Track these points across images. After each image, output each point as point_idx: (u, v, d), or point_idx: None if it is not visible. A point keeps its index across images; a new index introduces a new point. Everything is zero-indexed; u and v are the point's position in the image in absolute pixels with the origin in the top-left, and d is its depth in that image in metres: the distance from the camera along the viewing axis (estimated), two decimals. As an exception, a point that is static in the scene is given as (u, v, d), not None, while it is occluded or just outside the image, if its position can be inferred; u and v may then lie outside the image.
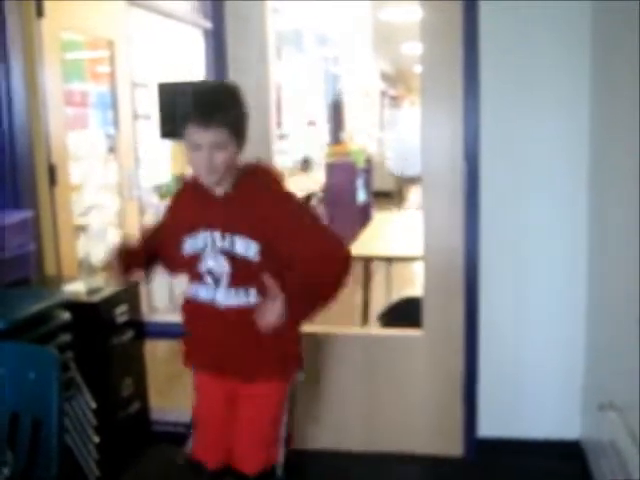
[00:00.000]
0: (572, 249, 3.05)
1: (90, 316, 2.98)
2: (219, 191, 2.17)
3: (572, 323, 3.09)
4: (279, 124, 7.93)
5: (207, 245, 2.17)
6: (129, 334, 3.23)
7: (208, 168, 2.07)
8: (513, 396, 3.20)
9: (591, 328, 3.02)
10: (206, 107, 2.05)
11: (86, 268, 3.98)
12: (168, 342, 3.95)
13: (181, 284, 4.82)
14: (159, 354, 3.90)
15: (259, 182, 2.20)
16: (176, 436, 3.39)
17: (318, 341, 3.24)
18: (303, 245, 2.13)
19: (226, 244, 2.14)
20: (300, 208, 2.26)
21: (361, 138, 11.50)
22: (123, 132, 4.28)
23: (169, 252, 2.34)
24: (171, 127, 4.12)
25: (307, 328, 2.34)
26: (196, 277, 2.22)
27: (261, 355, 2.23)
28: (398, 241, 5.06)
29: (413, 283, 5.81)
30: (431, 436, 3.23)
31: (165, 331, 3.58)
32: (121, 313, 3.15)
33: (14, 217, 3.13)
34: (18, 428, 2.21)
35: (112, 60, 4.10)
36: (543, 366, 3.16)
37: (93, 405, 2.90)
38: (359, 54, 11.27)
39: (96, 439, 2.92)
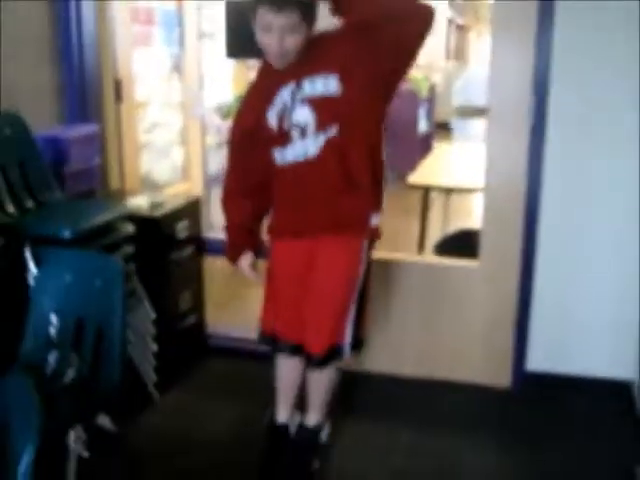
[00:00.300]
0: (637, 188, 2.99)
1: (152, 230, 3.05)
2: (280, 66, 2.19)
3: (631, 261, 3.04)
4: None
5: (287, 101, 2.20)
6: (189, 249, 3.31)
7: (279, 51, 2.11)
8: (566, 332, 3.19)
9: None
10: None
11: (149, 184, 4.06)
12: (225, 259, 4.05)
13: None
14: (217, 271, 3.98)
15: (318, 35, 2.21)
16: (230, 350, 3.54)
17: (375, 266, 3.27)
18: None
19: (305, 90, 2.17)
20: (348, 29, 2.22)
21: (425, 67, 11.25)
22: (188, 51, 4.30)
23: (261, 139, 2.31)
24: (237, 46, 4.11)
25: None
26: (283, 140, 2.24)
27: (345, 202, 2.26)
28: (458, 173, 5.00)
29: (470, 215, 5.76)
30: (481, 366, 3.26)
31: (224, 248, 3.65)
32: (182, 228, 3.23)
33: (81, 131, 3.20)
34: (83, 333, 2.32)
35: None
36: (598, 303, 3.13)
37: (153, 316, 3.01)
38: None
39: (155, 348, 3.04)
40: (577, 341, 3.19)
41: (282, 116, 2.22)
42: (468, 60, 12.31)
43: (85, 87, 3.36)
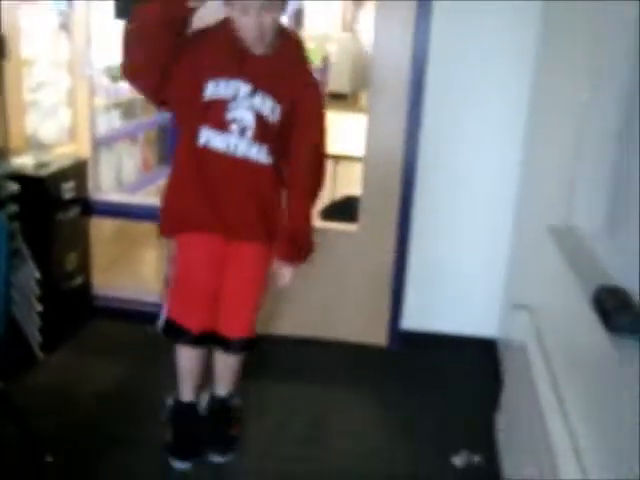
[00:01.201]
0: (505, 162, 3.21)
1: (37, 190, 3.04)
2: (257, 49, 2.20)
3: (498, 229, 3.29)
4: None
5: (237, 95, 2.23)
6: (75, 210, 3.31)
7: (258, 33, 2.11)
8: (437, 293, 3.42)
9: (515, 233, 3.22)
10: None
11: (35, 144, 3.99)
12: (112, 221, 4.06)
13: (129, 165, 4.88)
14: (104, 233, 3.98)
15: (296, 51, 2.33)
16: (115, 311, 3.57)
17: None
18: (312, 128, 2.37)
19: (257, 101, 2.24)
20: (321, 95, 2.44)
21: (320, 38, 11.32)
22: (76, 9, 4.21)
23: (183, 92, 2.26)
24: (126, 8, 4.07)
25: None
26: (217, 124, 2.25)
27: (259, 213, 2.38)
28: (347, 142, 5.14)
29: (357, 183, 5.92)
30: (358, 326, 3.44)
31: (110, 210, 3.67)
32: (68, 189, 3.22)
33: (-38, 87, 3.13)
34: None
35: None
36: (468, 267, 3.37)
37: (37, 275, 3.01)
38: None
39: (39, 308, 3.05)
40: (449, 302, 3.42)
41: (221, 101, 2.22)
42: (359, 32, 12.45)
43: (-34, 42, 3.27)
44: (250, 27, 2.11)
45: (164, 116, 4.79)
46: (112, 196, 4.15)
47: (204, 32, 2.28)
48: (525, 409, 2.16)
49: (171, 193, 2.44)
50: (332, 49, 12.23)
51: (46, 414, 2.73)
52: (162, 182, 4.64)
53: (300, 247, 2.44)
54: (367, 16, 14.92)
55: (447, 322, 3.44)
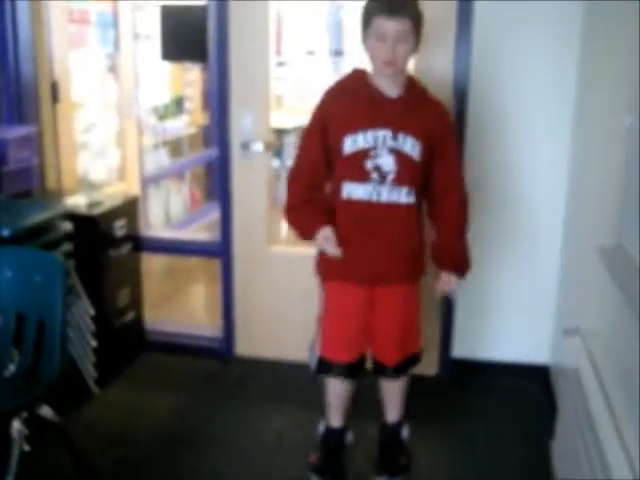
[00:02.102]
0: (552, 183, 3.19)
1: (90, 228, 3.12)
2: (393, 92, 2.34)
3: (547, 252, 3.25)
4: (279, 52, 7.90)
5: (378, 143, 2.32)
6: (127, 247, 3.39)
7: (390, 58, 2.25)
8: (487, 320, 3.39)
9: (564, 255, 3.19)
10: (396, 2, 2.23)
11: (86, 184, 4.11)
12: (162, 257, 4.14)
13: (177, 202, 4.98)
14: (154, 268, 4.06)
15: (422, 90, 2.43)
16: (167, 345, 3.63)
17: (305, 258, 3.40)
18: (452, 170, 2.45)
19: (398, 143, 2.32)
20: (453, 128, 2.55)
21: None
22: (123, 52, 4.34)
23: (330, 152, 2.39)
24: (172, 49, 4.20)
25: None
26: (358, 175, 2.34)
27: (405, 256, 2.45)
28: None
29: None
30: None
31: (160, 246, 3.75)
32: (120, 227, 3.30)
33: (18, 131, 3.24)
34: (24, 328, 2.38)
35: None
36: (518, 293, 3.34)
37: (92, 312, 3.08)
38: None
39: (94, 343, 3.11)
40: (498, 328, 3.39)
41: (363, 152, 2.32)
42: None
43: (22, 88, 3.40)
44: (383, 53, 2.25)
45: (210, 153, 4.89)
46: (161, 232, 4.23)
47: (334, 94, 2.43)
48: (581, 437, 2.13)
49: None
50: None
51: (103, 449, 2.78)
52: (210, 218, 4.72)
53: (460, 261, 2.51)
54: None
55: (498, 349, 3.40)
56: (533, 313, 3.33)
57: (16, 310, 2.40)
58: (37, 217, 2.79)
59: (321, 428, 2.75)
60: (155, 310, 3.81)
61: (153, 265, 4.08)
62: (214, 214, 4.05)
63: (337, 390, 2.65)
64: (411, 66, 3.23)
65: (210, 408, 3.12)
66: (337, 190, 2.39)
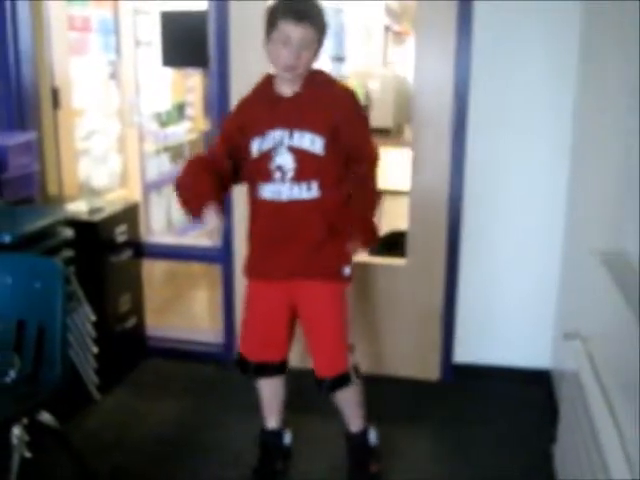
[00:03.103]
0: (552, 189, 3.19)
1: (91, 234, 3.12)
2: (288, 92, 2.37)
3: (547, 257, 3.25)
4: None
5: (276, 143, 2.35)
6: (127, 253, 3.39)
7: (293, 63, 2.27)
8: (488, 325, 3.38)
9: (564, 261, 3.18)
10: (300, 7, 2.27)
11: (87, 190, 4.11)
12: (163, 263, 4.14)
13: (178, 208, 4.98)
14: (156, 275, 4.06)
15: (323, 79, 2.44)
16: (168, 351, 3.63)
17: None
18: (361, 140, 2.44)
19: (294, 140, 2.34)
20: (359, 105, 2.48)
21: (362, 74, 11.41)
22: (125, 58, 4.36)
23: (239, 157, 2.44)
24: (172, 55, 4.20)
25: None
26: (264, 176, 2.38)
27: (320, 249, 2.43)
28: (392, 177, 5.17)
29: (404, 217, 5.93)
30: (409, 360, 3.42)
31: (162, 252, 3.75)
32: (120, 233, 3.31)
33: (18, 138, 3.25)
34: (24, 334, 2.38)
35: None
36: (518, 298, 3.33)
37: (93, 318, 3.08)
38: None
39: (95, 350, 3.11)
40: (500, 334, 3.38)
41: (266, 153, 2.36)
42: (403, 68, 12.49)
43: (22, 95, 3.41)
44: (287, 58, 2.27)
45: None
46: (163, 238, 4.24)
47: (246, 99, 2.49)
48: (582, 440, 2.12)
49: (247, 242, 2.57)
50: (374, 85, 12.30)
51: (103, 454, 2.78)
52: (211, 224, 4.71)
53: (369, 232, 2.49)
54: (408, 50, 15.02)
55: (499, 354, 3.40)
56: (534, 317, 3.33)
57: (16, 316, 2.39)
58: (38, 223, 2.79)
59: (259, 431, 2.76)
60: (156, 316, 3.81)
61: (154, 271, 4.08)
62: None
63: (265, 389, 2.68)
64: (412, 68, 3.25)
65: (211, 414, 3.12)
66: (254, 191, 2.44)
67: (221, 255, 3.52)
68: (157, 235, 4.41)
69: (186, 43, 4.08)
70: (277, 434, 2.73)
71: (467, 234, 3.28)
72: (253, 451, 2.81)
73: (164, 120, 5.05)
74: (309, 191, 2.37)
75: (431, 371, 3.43)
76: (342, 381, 2.52)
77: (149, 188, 4.60)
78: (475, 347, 3.41)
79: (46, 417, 2.35)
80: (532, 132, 3.16)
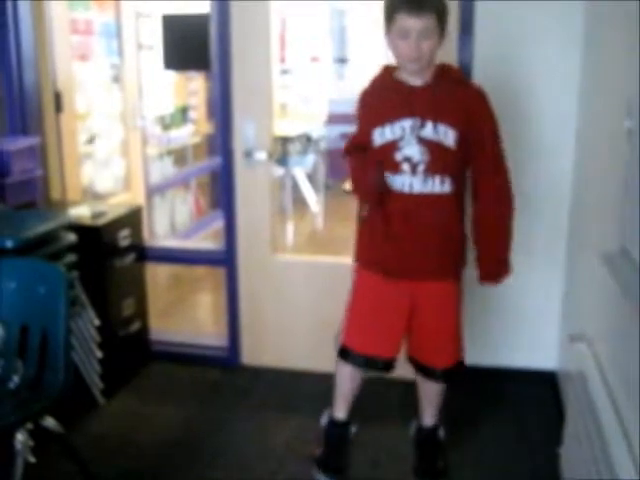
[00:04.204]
0: (555, 189, 3.18)
1: (94, 239, 3.12)
2: (418, 82, 2.31)
3: (553, 258, 3.24)
4: (283, 59, 7.92)
5: (405, 133, 2.29)
6: (131, 257, 3.38)
7: (416, 54, 2.21)
8: (494, 327, 3.37)
9: (569, 263, 3.17)
10: None
11: (91, 194, 4.11)
12: (167, 267, 4.14)
13: (182, 211, 4.99)
14: (159, 278, 4.06)
15: (457, 76, 2.40)
16: (172, 355, 3.62)
17: (322, 269, 3.41)
18: (490, 143, 2.36)
19: (427, 131, 2.27)
20: (492, 109, 2.38)
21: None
22: (127, 62, 4.36)
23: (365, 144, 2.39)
24: (174, 59, 4.21)
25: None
26: (391, 166, 2.31)
27: (444, 250, 2.41)
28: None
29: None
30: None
31: (165, 256, 3.75)
32: (124, 237, 3.30)
33: (21, 143, 3.25)
34: (28, 338, 2.38)
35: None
36: (524, 299, 3.31)
37: (96, 322, 3.08)
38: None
39: (99, 354, 3.11)
40: (505, 335, 3.37)
41: (392, 143, 2.30)
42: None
43: (25, 99, 3.41)
44: (407, 50, 2.22)
45: (215, 161, 4.90)
46: (166, 242, 4.24)
47: (365, 93, 2.45)
48: (589, 442, 2.11)
49: (363, 232, 2.53)
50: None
51: (108, 459, 2.78)
52: (215, 227, 4.73)
53: (501, 267, 2.51)
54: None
55: (504, 355, 3.38)
56: (539, 319, 3.31)
57: (20, 321, 2.40)
58: (41, 228, 2.79)
59: (324, 420, 2.74)
60: (160, 320, 3.81)
61: (158, 274, 4.08)
62: (219, 222, 4.05)
63: (347, 381, 2.63)
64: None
65: (216, 417, 3.11)
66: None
67: (225, 258, 3.51)
68: (160, 239, 4.41)
69: (188, 46, 4.09)
70: (345, 425, 2.71)
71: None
72: (257, 454, 2.82)
73: (167, 123, 5.05)
74: (442, 185, 2.31)
75: (436, 373, 3.41)
76: (459, 368, 2.58)
77: (153, 191, 4.61)
78: (480, 349, 3.38)
79: (50, 422, 2.35)
80: (535, 128, 3.15)
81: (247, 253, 3.46)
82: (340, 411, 2.69)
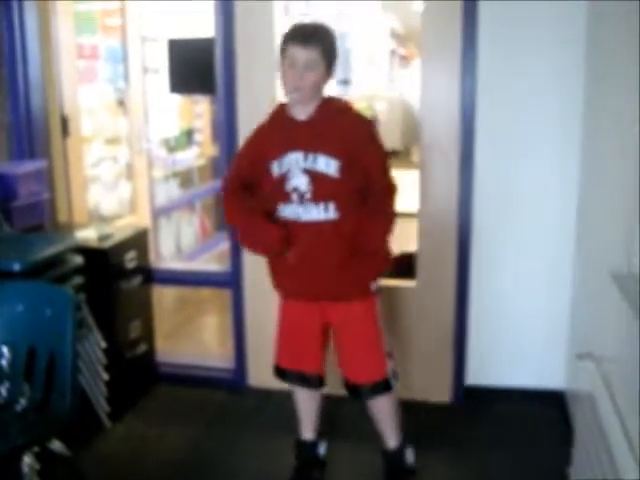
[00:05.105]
0: (561, 210, 3.18)
1: (101, 261, 3.13)
2: (302, 116, 2.44)
3: (559, 279, 3.23)
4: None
5: (292, 166, 2.42)
6: (137, 279, 3.39)
7: (298, 83, 2.35)
8: (500, 346, 3.36)
9: (575, 282, 3.16)
10: (306, 31, 2.39)
11: (97, 217, 4.13)
12: (173, 289, 4.14)
13: (188, 233, 4.99)
14: (165, 300, 4.06)
15: (339, 106, 2.51)
16: (179, 377, 3.61)
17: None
18: (376, 170, 2.48)
19: (308, 163, 2.40)
20: (375, 135, 2.52)
21: (368, 97, 11.45)
22: (133, 86, 4.39)
23: (257, 180, 2.53)
24: (180, 82, 4.24)
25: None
26: (283, 197, 2.45)
27: (343, 271, 2.48)
28: (401, 199, 5.17)
29: (414, 239, 5.92)
30: (421, 382, 3.39)
31: (171, 278, 3.76)
32: (130, 259, 3.31)
33: (28, 166, 3.27)
34: (35, 361, 2.38)
35: (123, 13, 4.21)
36: (530, 319, 3.31)
37: (103, 345, 3.08)
38: (367, 11, 11.18)
39: (106, 377, 3.10)
40: (513, 355, 3.35)
41: (283, 175, 2.43)
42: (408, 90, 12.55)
43: (32, 123, 3.44)
44: (292, 79, 2.35)
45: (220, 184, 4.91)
46: (172, 264, 4.24)
47: (261, 127, 2.58)
48: (598, 462, 2.09)
49: (270, 259, 2.60)
50: (381, 107, 12.33)
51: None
52: (220, 248, 4.73)
53: (380, 265, 2.57)
54: (413, 73, 15.08)
55: (512, 375, 3.37)
56: (547, 338, 3.30)
57: (27, 344, 2.40)
58: (48, 251, 2.80)
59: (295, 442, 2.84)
60: (167, 342, 3.80)
61: (164, 296, 4.08)
62: (225, 244, 4.05)
63: (303, 402, 2.77)
64: (417, 91, 3.25)
65: (223, 440, 3.10)
66: (274, 212, 2.49)
67: (231, 279, 3.51)
68: (166, 261, 4.41)
69: (193, 70, 4.11)
70: (313, 445, 2.81)
71: (477, 255, 3.27)
72: (264, 476, 2.80)
73: (172, 146, 5.06)
74: (326, 212, 2.42)
75: (443, 393, 3.40)
76: (383, 386, 2.61)
77: (158, 214, 4.61)
78: (487, 368, 3.38)
79: (57, 445, 2.35)
80: (539, 151, 3.16)
81: (253, 275, 3.46)
82: (307, 432, 2.80)
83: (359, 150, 2.42)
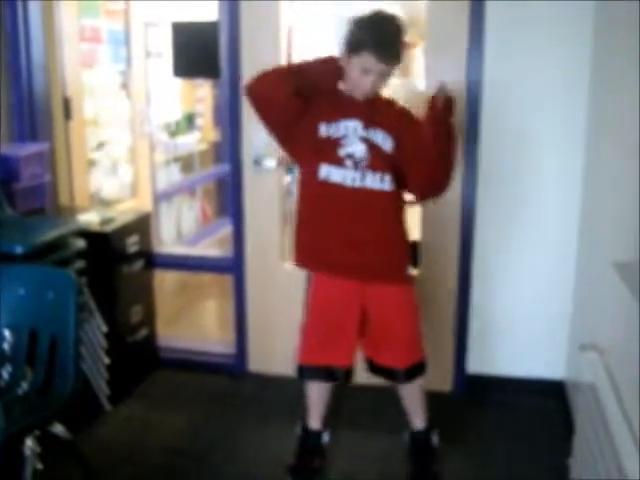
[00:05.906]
0: (565, 199, 3.17)
1: (102, 245, 3.12)
2: (359, 97, 2.43)
3: (562, 268, 3.22)
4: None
5: (348, 132, 2.42)
6: (139, 264, 3.38)
7: (369, 90, 2.38)
8: (502, 335, 3.35)
9: (578, 272, 3.16)
10: (389, 42, 2.34)
11: (98, 201, 4.11)
12: (175, 273, 4.13)
13: (188, 218, 4.98)
14: (167, 285, 4.05)
15: (387, 97, 2.54)
16: (180, 362, 3.62)
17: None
18: (423, 143, 2.43)
19: (368, 133, 2.43)
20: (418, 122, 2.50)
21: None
22: (135, 69, 4.37)
23: (299, 136, 2.48)
24: (183, 66, 4.22)
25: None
26: (331, 159, 2.43)
27: (391, 246, 2.52)
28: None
29: (417, 228, 5.92)
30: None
31: (173, 262, 3.75)
32: (132, 243, 3.30)
33: (30, 149, 3.26)
34: (36, 345, 2.38)
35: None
36: (532, 308, 3.30)
37: (104, 329, 3.07)
38: (371, -2, 11.11)
39: (106, 361, 3.10)
40: (514, 344, 3.35)
41: (335, 140, 2.42)
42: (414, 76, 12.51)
43: (34, 105, 3.42)
44: (364, 84, 2.36)
45: (221, 168, 4.90)
46: (174, 249, 4.23)
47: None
48: (600, 453, 2.09)
49: (301, 228, 2.58)
50: (385, 93, 12.25)
51: (115, 466, 2.77)
52: (221, 234, 4.72)
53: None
54: (416, 61, 15.04)
55: (513, 365, 3.37)
56: (549, 328, 3.30)
57: (29, 327, 2.40)
58: (50, 234, 2.79)
59: (298, 430, 2.82)
60: (168, 327, 3.80)
61: (166, 281, 4.07)
62: (225, 230, 4.04)
63: (315, 392, 2.75)
64: (420, 79, 3.24)
65: (223, 425, 3.11)
66: (312, 172, 2.46)
67: (232, 265, 3.51)
68: (167, 246, 4.40)
69: (198, 54, 4.10)
70: (318, 434, 2.80)
71: (480, 244, 3.26)
72: (264, 462, 2.81)
73: (174, 130, 5.04)
74: (382, 182, 2.43)
75: (444, 382, 3.40)
76: (421, 368, 2.64)
77: (159, 198, 4.60)
78: (489, 358, 3.38)
79: (58, 428, 2.35)
80: (544, 140, 3.14)
81: (255, 260, 3.46)
82: (314, 421, 2.79)
83: (409, 132, 2.44)
